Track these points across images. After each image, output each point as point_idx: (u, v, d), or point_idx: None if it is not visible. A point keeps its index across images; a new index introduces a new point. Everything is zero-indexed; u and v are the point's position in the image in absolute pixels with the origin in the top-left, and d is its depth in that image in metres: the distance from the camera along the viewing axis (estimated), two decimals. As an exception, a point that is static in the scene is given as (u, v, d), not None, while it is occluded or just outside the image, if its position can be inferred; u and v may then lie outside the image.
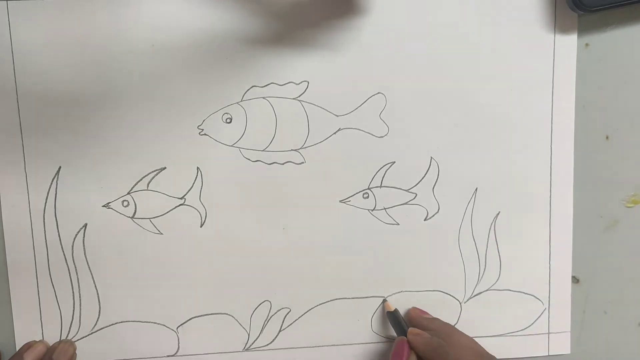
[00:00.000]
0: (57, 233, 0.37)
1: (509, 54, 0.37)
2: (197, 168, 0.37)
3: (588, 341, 0.40)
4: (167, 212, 0.37)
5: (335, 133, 0.37)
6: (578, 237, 0.39)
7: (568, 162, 0.38)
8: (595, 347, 0.40)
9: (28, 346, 0.37)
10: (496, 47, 0.37)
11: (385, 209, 0.38)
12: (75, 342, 0.38)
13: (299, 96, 0.37)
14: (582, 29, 0.37)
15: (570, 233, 0.39)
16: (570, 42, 0.37)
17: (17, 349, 0.37)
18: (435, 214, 0.38)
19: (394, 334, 0.39)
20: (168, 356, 0.38)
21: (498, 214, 0.38)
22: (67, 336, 0.38)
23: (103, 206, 0.37)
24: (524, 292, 0.39)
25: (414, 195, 0.38)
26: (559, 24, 0.37)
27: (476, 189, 0.38)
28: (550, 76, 0.37)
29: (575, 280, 0.40)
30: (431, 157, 0.38)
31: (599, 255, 0.40)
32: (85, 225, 0.37)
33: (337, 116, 0.37)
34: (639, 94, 0.38)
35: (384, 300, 0.39)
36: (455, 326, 0.39)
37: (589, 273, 0.40)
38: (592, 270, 0.40)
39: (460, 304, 0.39)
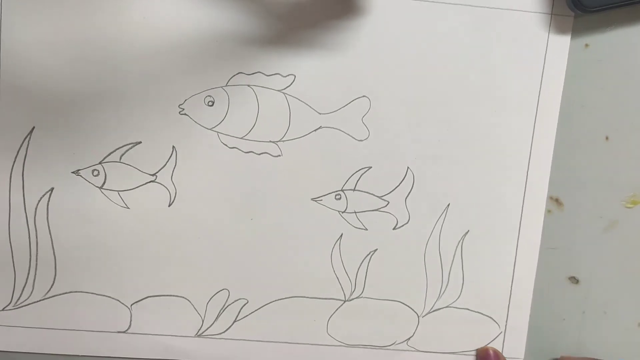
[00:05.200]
0: (22, 193, 0.36)
1: (499, 66, 0.37)
2: (173, 147, 0.36)
3: (588, 341, 0.40)
4: (137, 187, 0.37)
5: (315, 130, 0.37)
6: (578, 237, 0.39)
7: (542, 189, 0.38)
8: (595, 347, 0.40)
9: None
10: (487, 63, 0.37)
11: (355, 212, 0.38)
12: (26, 307, 0.37)
13: (284, 89, 0.36)
14: (582, 30, 0.37)
15: (535, 261, 0.39)
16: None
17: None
18: (405, 224, 0.38)
19: (350, 339, 0.39)
20: (119, 332, 0.38)
21: (467, 232, 0.38)
22: (19, 299, 0.37)
23: (72, 172, 0.36)
24: (482, 313, 0.39)
25: (386, 202, 0.38)
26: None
27: (448, 205, 0.38)
28: (536, 99, 0.37)
29: (575, 280, 0.39)
30: (408, 167, 0.38)
31: (599, 255, 0.40)
32: (52, 189, 0.36)
33: (320, 114, 0.37)
34: (639, 94, 0.38)
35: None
36: (410, 339, 0.39)
37: (589, 273, 0.40)
38: (592, 270, 0.40)
39: (418, 317, 0.39)
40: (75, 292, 0.37)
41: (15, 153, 0.36)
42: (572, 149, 0.38)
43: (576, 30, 0.37)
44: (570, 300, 0.40)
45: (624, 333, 0.40)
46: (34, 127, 0.36)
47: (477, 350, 0.39)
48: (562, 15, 0.36)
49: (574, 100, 0.38)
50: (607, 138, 0.38)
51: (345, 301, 0.39)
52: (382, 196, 0.38)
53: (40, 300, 0.37)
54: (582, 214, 0.39)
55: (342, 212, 0.38)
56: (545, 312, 0.40)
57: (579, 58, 0.37)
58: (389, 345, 0.39)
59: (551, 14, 0.36)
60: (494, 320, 0.39)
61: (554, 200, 0.39)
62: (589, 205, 0.39)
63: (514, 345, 0.40)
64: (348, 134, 0.37)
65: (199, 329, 0.38)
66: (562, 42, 0.37)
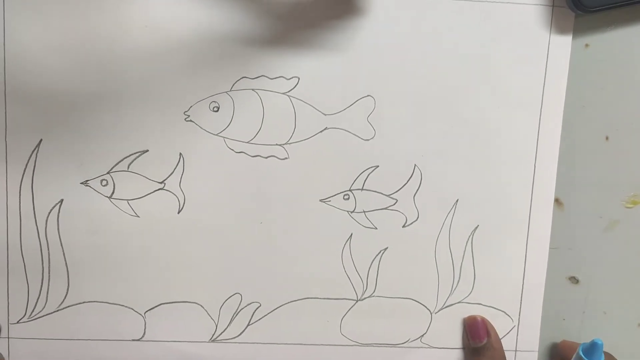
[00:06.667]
0: (32, 206, 0.36)
1: (502, 63, 0.37)
2: (180, 154, 0.37)
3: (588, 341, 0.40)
4: (146, 196, 0.37)
5: (321, 132, 0.37)
6: (578, 237, 0.39)
7: (550, 181, 0.38)
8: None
9: None
10: (490, 54, 0.37)
11: (364, 212, 0.38)
12: (40, 318, 0.37)
13: (289, 91, 0.36)
14: (582, 29, 0.37)
15: (546, 253, 0.39)
16: (564, 47, 0.37)
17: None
18: (414, 221, 0.38)
19: (364, 338, 0.39)
20: (133, 340, 0.38)
21: (477, 227, 0.38)
22: (33, 311, 0.37)
23: (81, 183, 0.36)
24: (495, 308, 0.39)
25: (395, 201, 0.38)
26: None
27: (457, 201, 0.38)
28: (541, 90, 0.37)
29: (575, 280, 0.40)
30: (415, 165, 0.38)
31: (599, 255, 0.40)
32: (62, 201, 0.36)
33: (325, 115, 0.37)
34: (639, 94, 0.38)
35: None
36: (424, 336, 0.39)
37: (588, 273, 0.40)
38: (592, 270, 0.40)
39: (431, 313, 0.39)
40: (89, 302, 0.37)
41: (24, 166, 0.36)
42: (572, 149, 0.38)
43: (576, 30, 0.37)
44: (570, 300, 0.40)
45: (624, 333, 0.41)
46: (41, 140, 0.36)
47: (464, 319, 0.39)
48: (564, 7, 0.36)
49: (574, 100, 0.38)
50: (607, 138, 0.38)
51: (357, 301, 0.39)
52: (391, 194, 0.38)
53: (54, 312, 0.37)
54: (582, 214, 0.39)
55: (351, 212, 0.38)
56: (546, 312, 0.39)
57: (579, 58, 0.37)
58: (403, 343, 0.39)
59: (552, 7, 0.36)
60: (507, 314, 0.39)
61: (555, 200, 0.39)
62: (589, 205, 0.39)
63: (528, 338, 0.40)
64: (354, 134, 0.37)
65: (213, 334, 0.38)
66: (564, 34, 0.37)
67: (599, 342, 0.32)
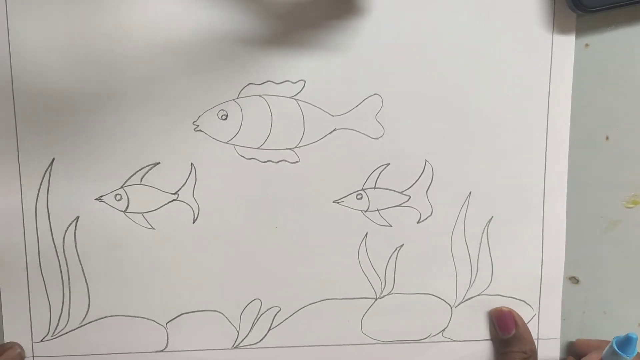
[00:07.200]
0: (48, 225, 0.37)
1: (507, 58, 0.37)
2: (191, 164, 0.37)
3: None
4: (160, 207, 0.37)
5: (330, 133, 0.37)
6: (578, 237, 0.39)
7: (562, 167, 0.38)
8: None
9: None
10: (494, 51, 0.37)
11: (378, 210, 0.38)
12: (64, 335, 0.38)
13: (296, 95, 0.36)
14: (582, 29, 0.37)
15: (563, 240, 0.39)
16: (568, 45, 0.37)
17: (5, 340, 0.37)
18: (429, 216, 0.38)
19: (386, 336, 0.39)
20: (156, 351, 0.38)
21: (491, 218, 0.38)
22: (56, 329, 0.38)
23: (96, 199, 0.37)
24: (514, 298, 0.39)
25: (408, 197, 0.38)
26: (558, 25, 0.37)
27: (470, 193, 0.38)
28: (547, 81, 0.37)
29: (575, 280, 0.39)
30: (426, 160, 0.38)
31: (599, 255, 0.40)
32: (77, 218, 0.37)
33: (333, 116, 0.37)
34: (639, 94, 0.38)
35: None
36: (445, 330, 0.39)
37: (589, 273, 0.40)
38: (592, 270, 0.40)
39: (451, 308, 0.39)
40: (110, 316, 0.38)
41: (39, 185, 0.36)
42: (572, 149, 0.38)
43: (577, 30, 0.37)
44: (571, 300, 0.40)
45: (624, 333, 0.40)
46: (54, 159, 0.36)
47: (490, 311, 0.39)
48: (565, 7, 0.36)
49: (574, 100, 0.38)
50: (607, 138, 0.38)
51: (376, 299, 0.39)
52: (403, 191, 0.38)
53: (77, 328, 0.38)
54: (582, 214, 0.39)
55: (365, 211, 0.38)
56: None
57: (579, 58, 0.37)
58: (425, 339, 0.39)
59: (554, 5, 0.37)
60: (527, 304, 0.39)
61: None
62: (589, 205, 0.39)
63: (549, 326, 0.40)
64: (363, 133, 0.37)
65: (235, 341, 0.39)
66: (568, 25, 0.37)
67: (634, 337, 0.32)
